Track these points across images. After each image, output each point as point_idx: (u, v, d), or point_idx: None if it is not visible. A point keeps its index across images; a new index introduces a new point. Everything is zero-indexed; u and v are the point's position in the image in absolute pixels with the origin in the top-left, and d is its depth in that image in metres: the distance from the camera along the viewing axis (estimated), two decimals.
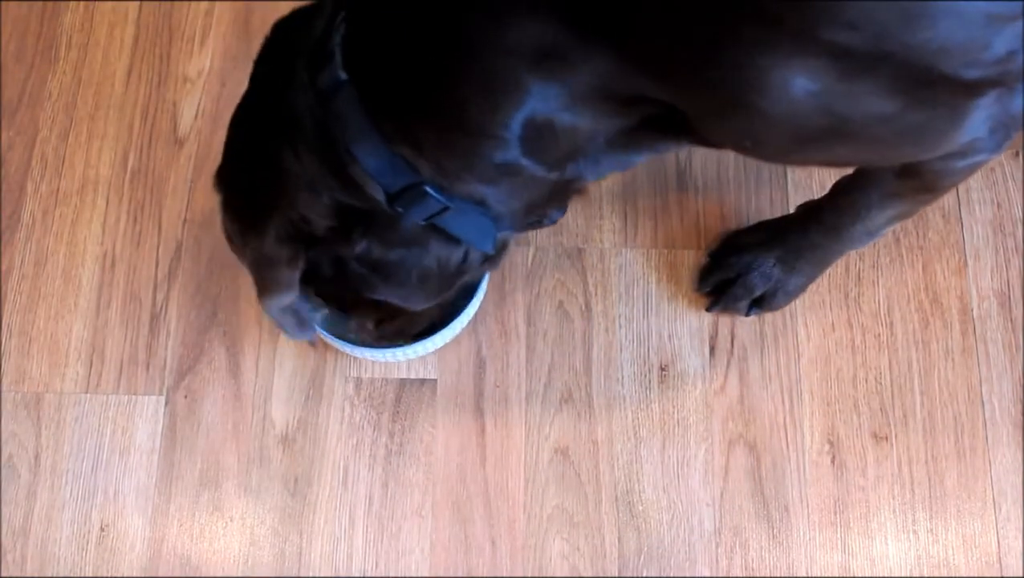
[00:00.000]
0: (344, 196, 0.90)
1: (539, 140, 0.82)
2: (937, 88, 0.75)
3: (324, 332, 1.25)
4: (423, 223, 0.92)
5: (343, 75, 0.84)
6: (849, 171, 1.14)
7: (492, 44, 0.77)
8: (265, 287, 0.97)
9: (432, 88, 0.82)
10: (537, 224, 1.01)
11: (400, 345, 1.26)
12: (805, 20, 0.70)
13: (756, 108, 0.75)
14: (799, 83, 0.73)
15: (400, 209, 0.90)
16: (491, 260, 1.01)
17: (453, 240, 0.96)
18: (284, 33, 0.92)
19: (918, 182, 1.03)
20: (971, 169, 0.96)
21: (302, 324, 1.02)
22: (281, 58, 0.90)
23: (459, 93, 0.81)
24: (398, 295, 1.03)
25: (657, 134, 0.86)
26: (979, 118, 0.81)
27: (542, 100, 0.79)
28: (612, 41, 0.75)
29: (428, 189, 0.88)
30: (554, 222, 1.03)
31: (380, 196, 0.89)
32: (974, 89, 0.77)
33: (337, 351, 1.31)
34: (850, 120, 0.77)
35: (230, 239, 1.01)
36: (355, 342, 1.26)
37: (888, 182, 1.07)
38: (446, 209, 0.90)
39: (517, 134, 0.82)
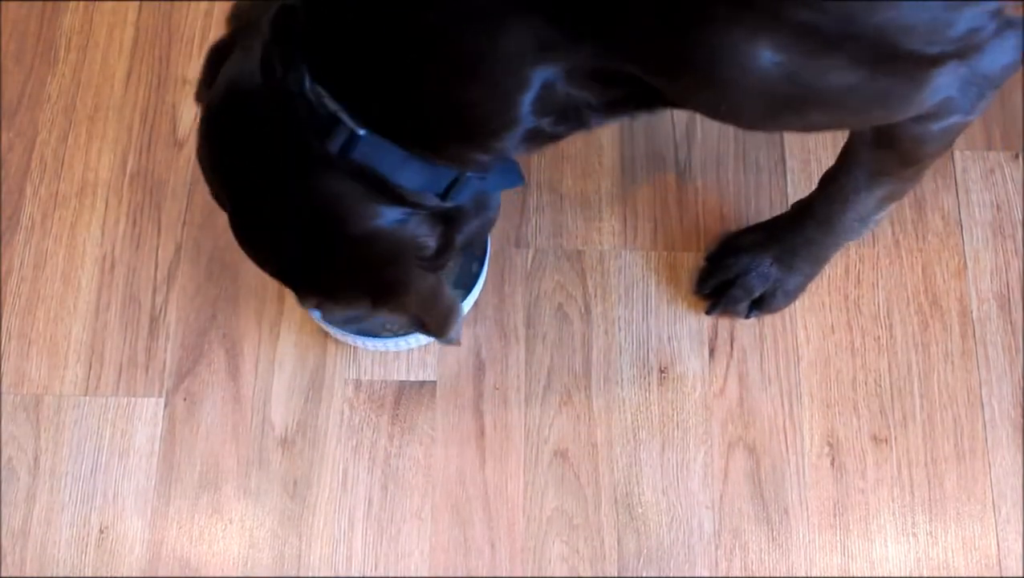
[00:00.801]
0: (413, 211, 0.94)
1: (543, 106, 0.87)
2: (900, 62, 0.81)
3: (326, 324, 1.25)
4: (471, 196, 0.98)
5: (361, 130, 0.87)
6: (840, 146, 1.15)
7: (494, 54, 0.82)
8: (443, 321, 1.01)
9: (452, 112, 0.87)
10: None
11: (402, 334, 1.26)
12: (774, 1, 0.75)
13: (729, 80, 0.81)
14: (768, 56, 0.78)
15: (452, 199, 0.95)
16: None
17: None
18: (241, 129, 0.93)
19: (897, 153, 1.05)
20: (948, 133, 0.98)
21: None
22: (264, 148, 0.91)
23: (477, 108, 0.87)
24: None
25: (635, 105, 0.91)
26: (945, 81, 0.85)
27: (543, 80, 0.84)
28: (596, 33, 0.80)
29: (469, 174, 0.93)
30: None
31: (433, 201, 0.94)
32: (936, 61, 0.82)
33: (337, 352, 1.31)
34: (817, 90, 0.82)
35: (358, 320, 1.06)
36: (357, 332, 1.26)
37: (871, 158, 1.09)
38: (484, 178, 0.96)
39: (528, 111, 0.87)
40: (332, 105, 0.87)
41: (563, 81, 0.84)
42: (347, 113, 0.87)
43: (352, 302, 0.99)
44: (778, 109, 0.85)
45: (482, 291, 1.32)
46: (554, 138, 0.93)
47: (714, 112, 0.91)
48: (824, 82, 0.81)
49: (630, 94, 0.87)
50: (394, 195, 0.92)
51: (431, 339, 1.27)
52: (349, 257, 0.94)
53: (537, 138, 0.92)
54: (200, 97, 1.01)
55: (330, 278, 0.97)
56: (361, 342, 1.27)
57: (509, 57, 0.82)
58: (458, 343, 1.07)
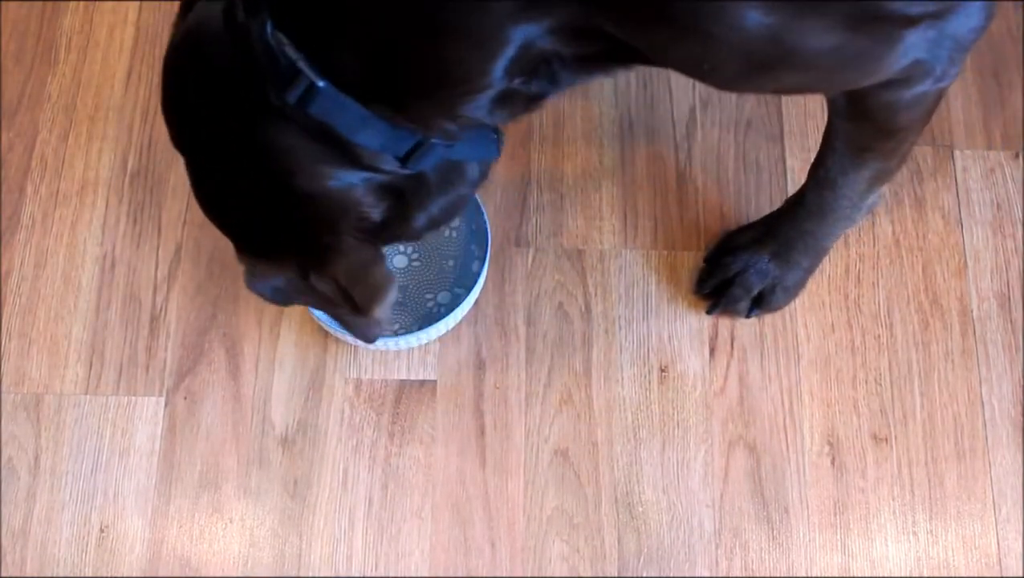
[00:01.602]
0: (369, 175, 0.91)
1: (517, 65, 0.85)
2: (882, 22, 0.82)
3: (325, 321, 1.25)
4: (436, 166, 0.94)
5: (321, 82, 0.83)
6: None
7: (481, 11, 0.80)
8: (370, 298, 0.96)
9: (425, 68, 0.84)
10: None
11: (402, 334, 1.26)
12: None
13: (714, 38, 0.80)
14: (754, 17, 0.78)
15: (413, 166, 0.91)
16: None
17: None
18: (198, 73, 0.90)
19: (874, 125, 1.05)
20: (920, 101, 0.98)
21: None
22: (220, 94, 0.89)
23: (451, 68, 0.83)
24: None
25: (611, 61, 0.90)
26: (914, 41, 0.86)
27: (522, 38, 0.82)
28: None
29: (433, 140, 0.90)
30: None
31: (392, 165, 0.90)
32: (915, 20, 0.84)
33: (337, 351, 1.31)
34: (798, 51, 0.82)
35: (283, 296, 1.00)
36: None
37: (850, 133, 1.09)
38: (452, 145, 0.92)
39: (502, 74, 0.84)
40: (293, 54, 0.83)
41: (542, 38, 0.82)
42: (308, 63, 0.83)
43: (281, 265, 0.95)
44: (756, 69, 0.85)
45: (482, 291, 1.32)
46: (528, 101, 0.91)
47: (694, 71, 0.90)
48: (806, 43, 0.82)
49: (607, 50, 0.86)
50: (350, 155, 0.88)
51: (430, 338, 1.28)
52: (288, 213, 0.91)
53: (509, 100, 0.89)
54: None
55: (264, 234, 0.94)
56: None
57: (495, 14, 0.80)
58: (372, 340, 1.02)
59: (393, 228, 0.96)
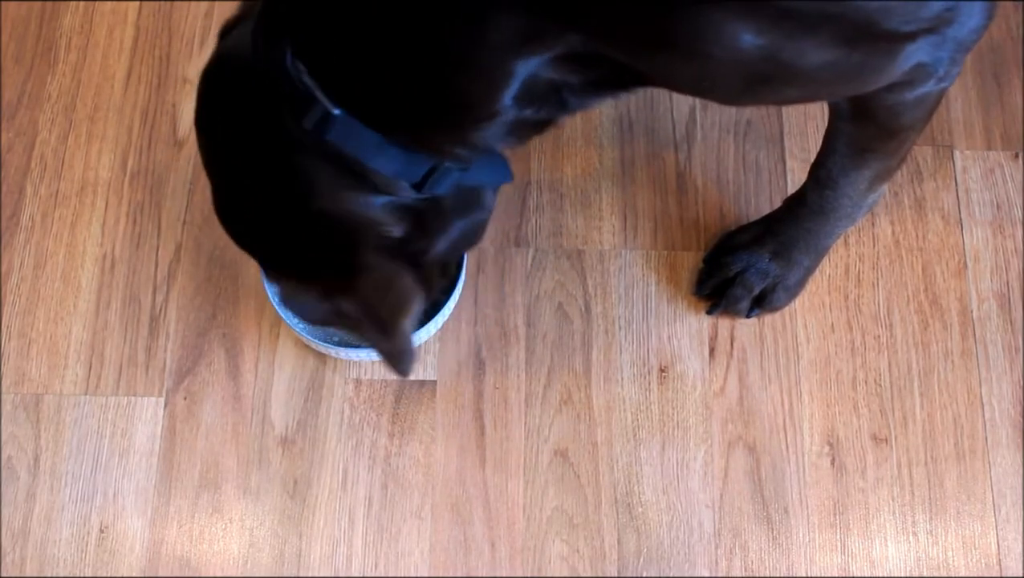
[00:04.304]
0: (387, 199, 0.93)
1: (526, 96, 0.87)
2: (877, 40, 0.83)
3: (309, 337, 1.25)
4: (450, 191, 0.96)
5: (336, 110, 0.86)
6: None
7: (480, 44, 0.82)
8: (395, 311, 0.95)
9: (431, 99, 0.86)
10: None
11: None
12: None
13: (710, 59, 0.82)
14: (748, 39, 0.79)
15: (428, 190, 0.93)
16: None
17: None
18: (225, 98, 0.93)
19: (876, 126, 1.06)
20: (923, 102, 0.99)
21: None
22: (242, 119, 0.92)
23: (458, 98, 0.86)
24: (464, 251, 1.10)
25: (615, 86, 0.92)
26: (915, 47, 0.87)
27: (526, 70, 0.84)
28: (581, 22, 0.81)
29: (447, 164, 0.92)
30: None
31: (408, 192, 0.93)
32: (911, 37, 0.85)
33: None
34: (795, 68, 0.84)
35: (314, 315, 1.01)
36: (340, 344, 1.26)
37: (852, 135, 1.10)
38: (466, 170, 0.95)
39: (510, 103, 0.87)
40: (309, 82, 0.86)
41: (547, 68, 0.84)
42: (323, 92, 0.86)
43: (307, 285, 0.96)
44: (755, 85, 0.87)
45: (482, 291, 1.32)
46: (538, 126, 0.93)
47: (693, 88, 0.92)
48: (802, 61, 0.83)
49: (610, 75, 0.88)
50: (366, 180, 0.91)
51: (419, 341, 1.27)
52: (308, 233, 0.93)
53: (522, 128, 0.91)
54: None
55: (287, 255, 0.96)
56: (344, 353, 1.26)
57: (494, 48, 0.82)
58: (407, 372, 1.00)
59: (415, 245, 0.97)
